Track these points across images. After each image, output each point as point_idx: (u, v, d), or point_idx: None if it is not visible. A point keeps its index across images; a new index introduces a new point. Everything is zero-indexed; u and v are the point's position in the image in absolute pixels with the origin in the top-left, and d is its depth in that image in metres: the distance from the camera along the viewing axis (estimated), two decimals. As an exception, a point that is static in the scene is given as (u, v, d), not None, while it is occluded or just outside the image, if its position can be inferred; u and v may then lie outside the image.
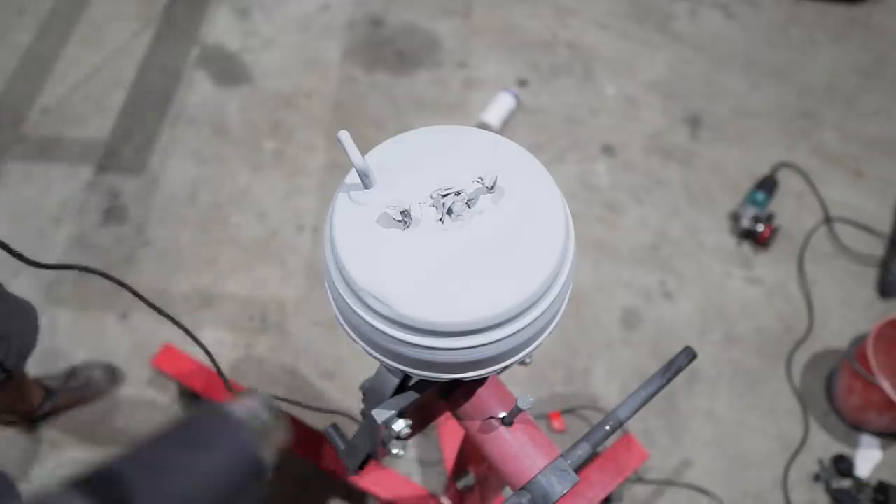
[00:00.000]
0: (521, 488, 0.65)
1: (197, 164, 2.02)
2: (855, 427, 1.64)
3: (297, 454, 1.48)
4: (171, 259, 1.84)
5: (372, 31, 2.33)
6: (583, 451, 0.66)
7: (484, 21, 2.38)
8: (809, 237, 1.93)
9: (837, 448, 1.62)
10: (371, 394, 0.75)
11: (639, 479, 1.55)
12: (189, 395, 1.56)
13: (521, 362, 0.62)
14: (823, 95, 2.24)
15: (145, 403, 1.61)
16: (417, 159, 0.60)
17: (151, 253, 1.84)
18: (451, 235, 0.55)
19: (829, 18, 2.43)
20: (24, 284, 1.75)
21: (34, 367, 1.66)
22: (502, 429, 0.69)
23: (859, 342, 1.59)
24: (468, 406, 0.72)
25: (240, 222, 1.90)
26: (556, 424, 1.60)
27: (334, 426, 0.91)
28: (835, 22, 2.43)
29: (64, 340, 1.69)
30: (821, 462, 1.59)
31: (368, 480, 1.42)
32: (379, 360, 0.60)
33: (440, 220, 0.56)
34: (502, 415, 0.69)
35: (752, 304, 1.81)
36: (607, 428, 0.67)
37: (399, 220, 0.55)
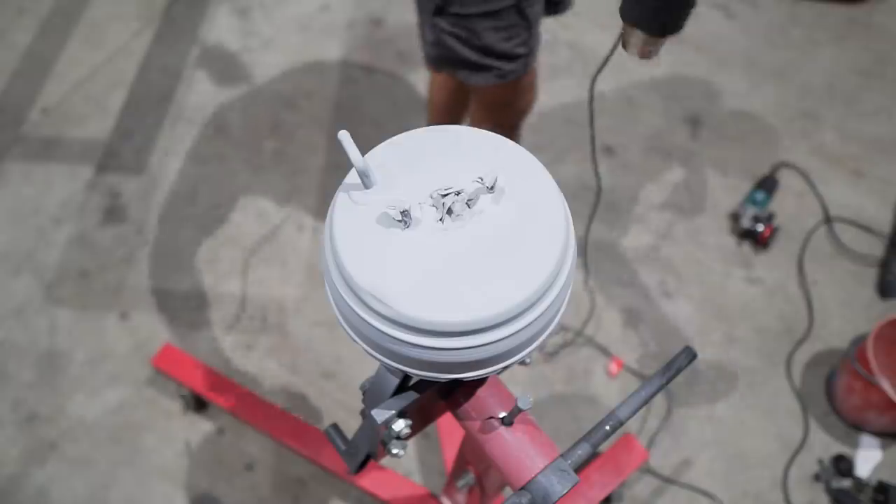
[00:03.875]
0: (521, 488, 0.65)
1: (197, 163, 2.02)
2: (855, 427, 1.64)
3: (297, 454, 1.48)
4: (171, 259, 1.83)
5: (372, 31, 2.33)
6: (583, 451, 0.66)
7: (484, 21, 2.38)
8: (809, 237, 1.93)
9: (837, 448, 1.62)
10: (371, 394, 0.75)
11: (639, 479, 1.55)
12: (189, 395, 1.56)
13: (521, 362, 0.62)
14: (823, 95, 2.24)
15: (145, 403, 1.61)
16: (417, 159, 0.60)
17: (151, 253, 1.84)
18: (451, 235, 0.55)
19: (829, 18, 2.43)
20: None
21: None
22: (502, 429, 0.69)
23: (859, 342, 1.59)
24: (468, 406, 0.72)
25: (240, 222, 1.90)
26: (614, 368, 1.65)
27: (334, 426, 0.91)
28: (835, 22, 2.43)
29: (64, 340, 1.69)
30: (821, 462, 1.59)
31: (368, 480, 1.42)
32: (379, 360, 0.60)
33: (440, 220, 0.56)
34: (502, 415, 0.69)
35: (752, 304, 1.81)
36: (607, 428, 0.67)
37: (399, 220, 0.55)
